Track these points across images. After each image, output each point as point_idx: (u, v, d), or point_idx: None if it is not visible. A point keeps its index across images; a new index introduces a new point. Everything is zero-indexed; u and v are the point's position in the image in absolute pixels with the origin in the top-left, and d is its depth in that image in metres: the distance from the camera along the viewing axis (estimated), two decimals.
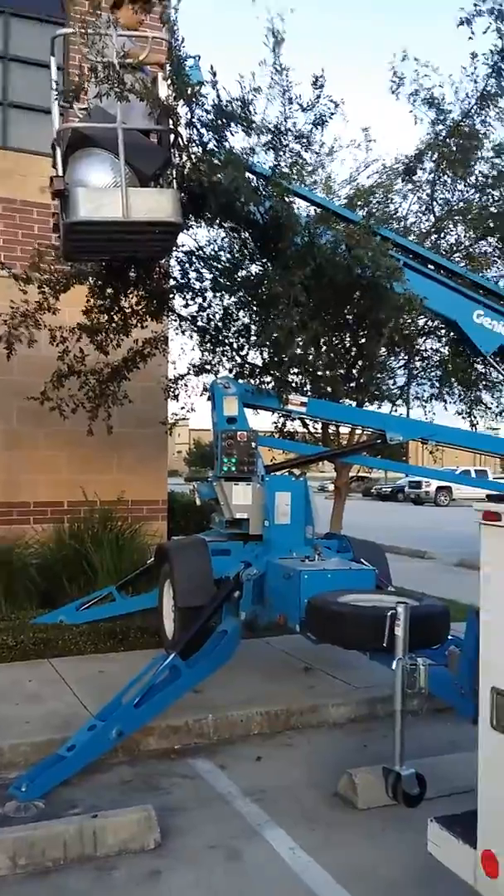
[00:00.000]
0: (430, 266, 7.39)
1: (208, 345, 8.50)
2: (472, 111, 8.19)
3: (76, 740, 4.62)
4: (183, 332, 8.84)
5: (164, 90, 5.95)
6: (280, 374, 7.41)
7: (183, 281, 8.31)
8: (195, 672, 5.27)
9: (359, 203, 8.85)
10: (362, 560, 6.34)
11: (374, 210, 8.84)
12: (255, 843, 3.98)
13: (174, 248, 7.52)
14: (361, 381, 8.77)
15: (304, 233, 6.66)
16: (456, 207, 8.85)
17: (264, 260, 7.52)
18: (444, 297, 7.11)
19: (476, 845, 2.58)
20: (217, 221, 7.33)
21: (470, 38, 7.35)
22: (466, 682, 4.14)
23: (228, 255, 8.06)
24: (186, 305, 8.42)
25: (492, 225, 8.63)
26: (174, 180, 6.05)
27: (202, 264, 8.19)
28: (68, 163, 5.88)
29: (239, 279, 7.71)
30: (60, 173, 5.82)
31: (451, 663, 4.34)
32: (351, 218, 7.09)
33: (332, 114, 7.17)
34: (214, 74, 6.32)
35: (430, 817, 2.92)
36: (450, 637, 5.02)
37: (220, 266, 8.02)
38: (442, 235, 9.14)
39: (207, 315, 8.37)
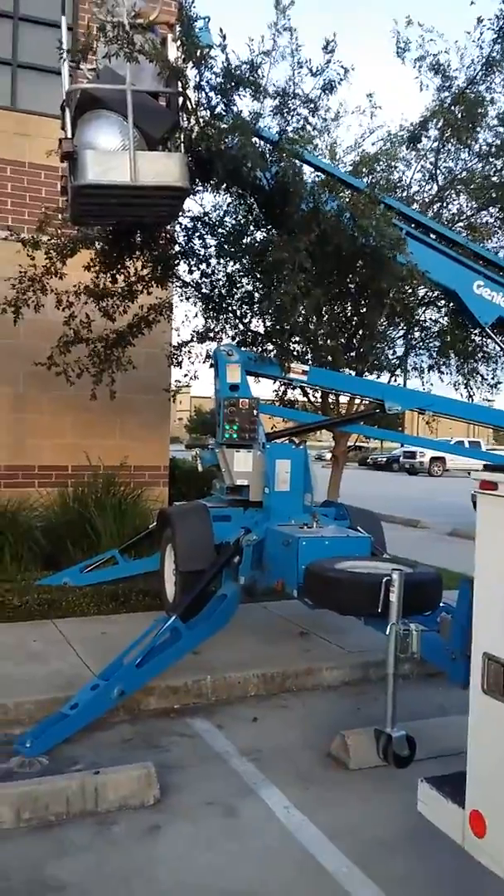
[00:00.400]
0: (432, 236, 7.38)
1: (212, 312, 8.51)
2: (478, 77, 8.10)
3: (79, 699, 4.76)
4: (187, 299, 8.86)
5: (173, 52, 5.90)
6: (282, 343, 7.44)
7: (188, 247, 8.30)
8: (195, 634, 5.39)
9: (363, 170, 8.80)
10: (359, 528, 6.43)
11: (378, 179, 8.78)
12: (251, 801, 4.12)
13: (180, 214, 7.50)
14: (361, 350, 8.79)
15: (310, 199, 6.64)
16: (459, 177, 8.80)
17: (269, 227, 7.50)
18: (445, 267, 7.12)
19: (464, 805, 2.69)
20: (223, 187, 7.29)
21: (472, 2, 7.27)
22: (457, 648, 4.24)
23: (233, 221, 8.03)
24: (191, 271, 8.42)
25: (494, 195, 8.58)
26: (182, 144, 6.02)
27: (207, 230, 8.18)
28: (77, 125, 5.85)
29: (244, 245, 7.70)
30: (69, 135, 5.80)
31: (443, 629, 4.44)
32: (356, 185, 7.06)
33: (342, 79, 7.12)
34: (224, 37, 6.26)
35: (421, 778, 3.03)
36: (441, 604, 5.14)
37: (224, 232, 8.00)
38: (444, 205, 9.10)
39: (211, 282, 8.38)
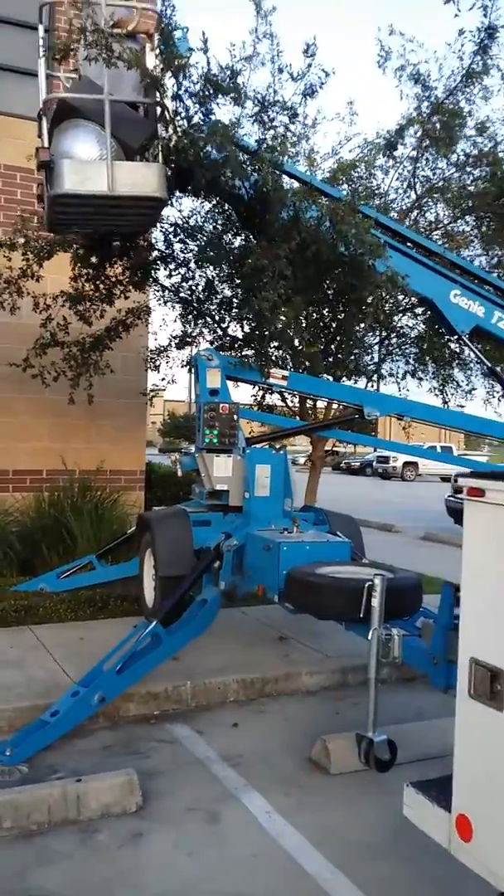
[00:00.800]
0: (408, 244, 7.44)
1: (190, 317, 8.51)
2: (457, 88, 8.19)
3: (59, 706, 4.72)
4: (165, 303, 8.84)
5: (151, 61, 5.90)
6: (261, 348, 7.46)
7: (167, 252, 8.29)
8: (176, 640, 5.38)
9: (341, 177, 8.86)
10: (338, 532, 6.46)
11: (356, 186, 8.85)
12: (233, 807, 4.12)
13: (158, 222, 7.49)
14: (339, 356, 8.84)
15: (291, 207, 6.66)
16: (436, 185, 8.88)
17: (248, 233, 7.51)
18: (422, 277, 7.17)
19: (451, 809, 2.72)
20: (202, 195, 7.29)
21: (456, 15, 7.33)
22: (439, 652, 4.29)
23: (212, 228, 8.04)
24: (170, 276, 8.41)
25: (471, 204, 8.68)
26: (160, 154, 6.01)
27: (186, 235, 8.17)
28: (54, 134, 5.84)
29: (223, 251, 7.70)
30: (46, 144, 5.78)
31: (425, 634, 4.48)
32: (335, 195, 7.10)
33: (323, 83, 7.14)
34: (206, 42, 6.25)
35: (406, 782, 3.05)
36: (420, 608, 5.19)
37: (204, 238, 8.00)
38: (422, 213, 9.19)
39: (190, 287, 8.37)
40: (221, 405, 6.72)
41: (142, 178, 5.87)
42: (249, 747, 4.84)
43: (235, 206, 7.35)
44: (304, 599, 5.08)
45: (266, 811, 4.08)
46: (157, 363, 9.13)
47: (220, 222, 7.92)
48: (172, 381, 9.54)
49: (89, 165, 5.76)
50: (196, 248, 8.01)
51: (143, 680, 5.21)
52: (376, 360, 9.49)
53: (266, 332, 7.14)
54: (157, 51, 5.95)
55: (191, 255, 8.10)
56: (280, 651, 6.38)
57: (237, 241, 7.86)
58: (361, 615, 4.45)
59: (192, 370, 7.32)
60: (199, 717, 5.34)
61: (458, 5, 7.26)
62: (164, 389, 11.02)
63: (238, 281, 7.77)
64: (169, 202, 6.66)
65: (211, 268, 8.05)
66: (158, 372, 9.27)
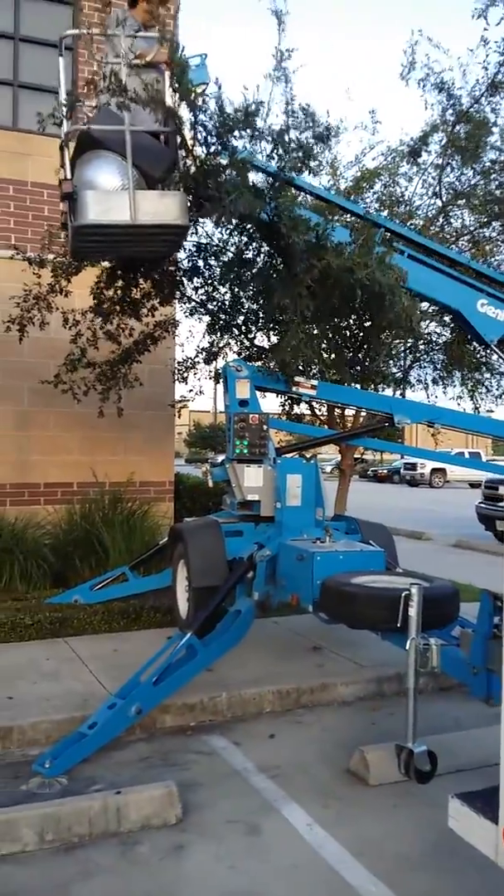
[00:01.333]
0: (433, 256, 7.40)
1: (217, 329, 8.53)
2: (483, 97, 8.17)
3: (97, 718, 4.74)
4: (192, 314, 8.88)
5: (169, 95, 5.98)
6: (288, 362, 7.38)
7: (192, 266, 8.32)
8: (211, 651, 5.38)
9: (365, 185, 8.86)
10: (370, 541, 6.44)
11: (380, 194, 8.86)
12: (273, 819, 4.11)
13: (180, 248, 7.50)
14: (366, 364, 8.82)
15: (312, 234, 6.55)
16: (462, 192, 8.86)
17: (271, 253, 7.44)
18: (448, 287, 7.11)
19: (498, 821, 2.68)
20: (223, 220, 7.27)
21: (485, 28, 7.34)
22: (479, 662, 4.25)
23: (234, 248, 8.01)
24: (196, 289, 8.45)
25: (497, 210, 8.64)
26: (181, 182, 6.07)
27: (209, 254, 8.18)
28: (76, 164, 5.94)
29: (246, 273, 7.67)
30: (69, 175, 5.86)
31: (464, 643, 4.45)
32: (354, 210, 7.08)
33: (334, 134, 7.16)
34: (220, 87, 6.25)
35: (451, 794, 3.01)
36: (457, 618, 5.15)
37: (226, 259, 7.99)
38: (448, 220, 9.15)
39: (216, 301, 8.40)
40: (251, 416, 6.74)
41: (163, 206, 5.94)
42: (287, 758, 4.83)
43: (257, 230, 7.31)
44: (340, 609, 5.06)
45: (306, 823, 4.06)
46: (185, 375, 9.17)
47: (242, 242, 7.87)
48: (200, 392, 9.57)
49: (112, 195, 5.85)
50: (220, 269, 7.98)
51: (179, 691, 5.23)
52: (404, 367, 9.45)
53: (292, 360, 7.05)
54: (173, 84, 5.99)
55: (216, 271, 8.11)
56: (315, 661, 6.35)
57: (260, 259, 7.79)
58: (398, 625, 4.43)
59: (221, 381, 7.34)
60: (236, 728, 5.33)
61: (486, 19, 7.26)
62: (191, 400, 11.07)
63: (263, 299, 7.71)
64: (191, 228, 6.69)
65: (235, 287, 8.03)
66: (186, 384, 9.30)
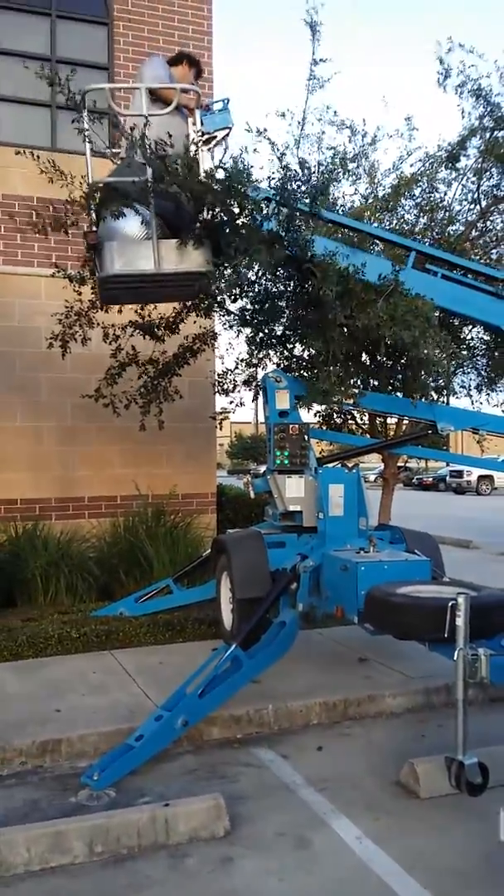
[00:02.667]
0: (469, 274, 7.31)
1: (256, 340, 8.52)
2: None
3: (144, 730, 4.76)
4: (231, 328, 8.90)
5: (192, 134, 6.13)
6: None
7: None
8: (256, 663, 5.37)
9: (403, 192, 8.83)
10: (415, 551, 6.37)
11: (419, 200, 8.82)
12: (323, 832, 4.06)
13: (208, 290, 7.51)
14: (408, 373, 8.73)
15: (339, 281, 6.40)
16: (502, 197, 8.77)
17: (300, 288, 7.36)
18: (484, 304, 7.00)
19: None
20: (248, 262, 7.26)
21: None
22: None
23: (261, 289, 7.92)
24: (234, 300, 8.46)
25: None
26: (205, 229, 6.09)
27: (240, 292, 8.10)
28: (101, 215, 6.05)
29: (278, 309, 7.63)
30: (94, 227, 6.00)
31: None
32: (391, 239, 7.05)
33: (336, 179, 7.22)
34: (224, 152, 6.29)
35: (501, 808, 2.96)
36: None
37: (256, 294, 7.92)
38: (487, 226, 9.05)
39: (253, 313, 8.38)
40: (291, 426, 6.74)
41: (187, 254, 6.04)
42: (336, 771, 4.78)
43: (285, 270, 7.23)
44: (386, 620, 5.01)
45: (356, 836, 4.01)
46: (226, 386, 9.19)
47: (270, 279, 7.78)
48: (241, 403, 9.56)
49: (136, 246, 5.96)
50: (252, 305, 7.90)
51: (226, 703, 5.22)
52: (446, 374, 9.33)
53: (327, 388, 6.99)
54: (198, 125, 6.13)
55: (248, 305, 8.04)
56: (361, 673, 6.29)
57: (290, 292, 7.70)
58: (446, 635, 4.36)
59: (262, 392, 7.35)
60: (283, 740, 5.30)
61: None
62: (232, 412, 11.09)
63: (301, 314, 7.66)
64: (215, 274, 6.74)
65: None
66: (227, 396, 9.32)
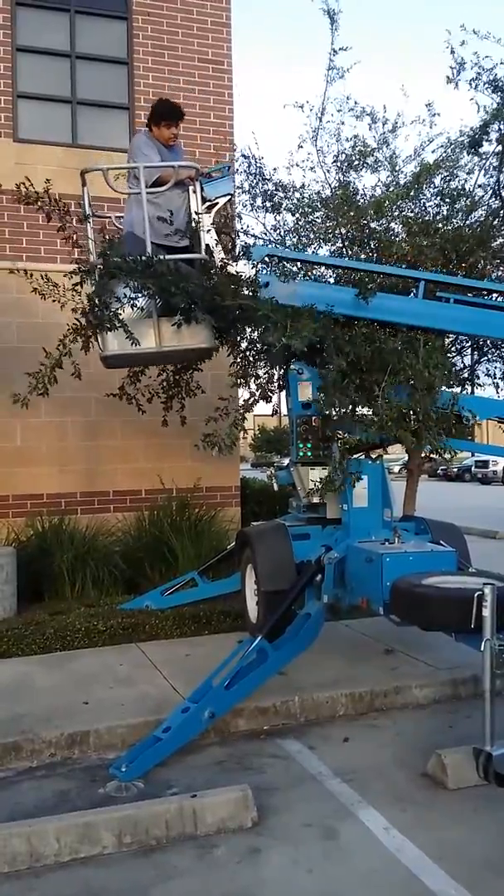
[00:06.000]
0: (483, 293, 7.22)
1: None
2: None
3: (171, 722, 4.79)
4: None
5: (195, 205, 6.12)
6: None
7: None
8: (281, 654, 5.39)
9: (424, 180, 8.74)
10: (441, 542, 6.33)
11: (441, 189, 8.72)
12: (350, 823, 4.07)
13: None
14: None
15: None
16: None
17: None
18: (500, 323, 6.91)
19: None
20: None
21: None
22: None
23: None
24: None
25: None
26: (206, 305, 6.02)
27: None
28: (103, 290, 5.97)
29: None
30: (96, 302, 5.90)
31: None
32: (397, 273, 7.10)
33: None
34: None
35: None
36: None
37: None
38: None
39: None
40: (314, 418, 6.71)
41: (188, 331, 6.00)
42: (363, 762, 4.78)
43: None
44: (411, 611, 4.99)
45: (384, 827, 4.01)
46: (248, 380, 9.16)
47: None
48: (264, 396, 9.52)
49: (136, 324, 5.89)
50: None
51: (252, 695, 5.25)
52: (471, 364, 9.25)
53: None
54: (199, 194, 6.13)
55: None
56: (387, 664, 6.28)
57: None
58: (472, 626, 4.34)
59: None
60: (310, 732, 5.31)
61: None
62: (255, 404, 11.05)
63: None
64: (218, 349, 6.72)
65: None
66: (249, 388, 9.28)
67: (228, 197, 6.35)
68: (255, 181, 8.85)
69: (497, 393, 9.37)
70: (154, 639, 7.05)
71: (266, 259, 6.77)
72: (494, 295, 7.27)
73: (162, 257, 5.87)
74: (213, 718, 4.91)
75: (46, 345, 8.12)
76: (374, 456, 7.08)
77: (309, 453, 6.70)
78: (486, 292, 7.28)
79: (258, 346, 6.87)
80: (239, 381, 7.28)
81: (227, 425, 6.35)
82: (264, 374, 7.22)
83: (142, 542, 8.97)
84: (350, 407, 6.44)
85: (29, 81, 10.18)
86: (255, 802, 4.10)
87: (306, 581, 5.92)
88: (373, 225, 8.49)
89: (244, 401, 7.80)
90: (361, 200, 8.74)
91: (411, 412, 6.33)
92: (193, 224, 6.14)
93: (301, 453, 6.70)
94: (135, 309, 5.87)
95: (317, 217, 8.83)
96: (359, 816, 4.12)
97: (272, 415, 9.81)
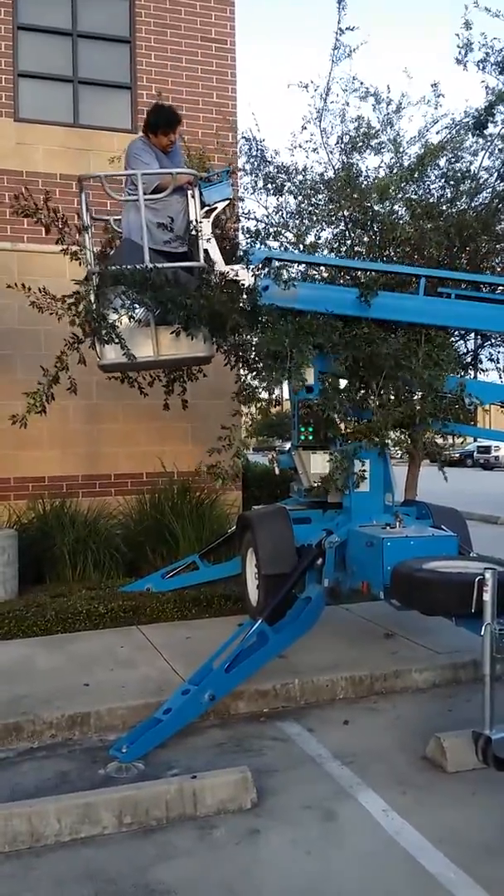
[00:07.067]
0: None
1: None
2: None
3: (171, 704, 4.81)
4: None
5: (192, 211, 6.08)
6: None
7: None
8: (282, 638, 5.39)
9: (428, 162, 8.66)
10: (442, 526, 6.33)
11: (445, 171, 8.65)
12: (349, 805, 4.09)
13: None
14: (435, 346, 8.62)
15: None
16: None
17: None
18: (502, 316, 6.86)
19: None
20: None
21: None
22: None
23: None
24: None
25: None
26: (205, 311, 5.98)
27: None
28: (99, 300, 5.96)
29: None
30: (93, 311, 5.88)
31: None
32: (398, 271, 7.08)
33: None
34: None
35: None
36: None
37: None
38: None
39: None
40: (315, 402, 6.69)
41: (186, 340, 5.99)
42: (362, 745, 4.79)
43: None
44: (412, 595, 5.00)
45: (383, 809, 4.03)
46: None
47: None
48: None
49: (133, 333, 5.90)
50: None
51: (252, 678, 5.25)
52: (474, 347, 9.21)
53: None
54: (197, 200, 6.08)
55: None
56: (387, 648, 6.29)
57: None
58: (473, 610, 4.34)
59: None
60: (309, 714, 5.32)
61: None
62: (257, 388, 11.02)
63: None
64: (215, 354, 6.69)
65: None
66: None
67: (227, 202, 6.30)
68: (256, 163, 8.80)
69: (500, 378, 9.34)
70: (155, 621, 7.06)
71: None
72: (501, 288, 7.22)
73: (160, 266, 5.84)
74: (214, 701, 4.93)
75: (47, 328, 8.11)
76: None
77: (310, 437, 6.68)
78: (488, 286, 7.23)
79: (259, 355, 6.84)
80: (241, 398, 7.30)
81: (229, 457, 6.37)
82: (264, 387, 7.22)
83: (143, 525, 8.97)
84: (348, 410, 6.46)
85: (30, 60, 10.07)
86: (255, 784, 4.12)
87: (307, 565, 5.93)
88: (376, 207, 8.42)
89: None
90: (365, 183, 8.68)
91: (407, 418, 6.33)
92: (192, 231, 6.10)
93: (302, 437, 6.69)
94: (132, 320, 5.87)
95: (319, 199, 8.76)
96: (358, 799, 4.14)
97: (274, 406, 9.75)
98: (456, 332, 8.93)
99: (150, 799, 3.93)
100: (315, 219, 8.76)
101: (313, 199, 8.75)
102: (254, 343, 6.43)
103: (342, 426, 6.56)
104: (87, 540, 8.49)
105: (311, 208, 8.73)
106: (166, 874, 3.48)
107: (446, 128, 8.94)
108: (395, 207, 8.65)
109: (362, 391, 6.88)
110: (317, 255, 8.20)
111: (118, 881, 3.43)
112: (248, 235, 8.29)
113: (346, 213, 8.63)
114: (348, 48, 8.54)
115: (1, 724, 4.85)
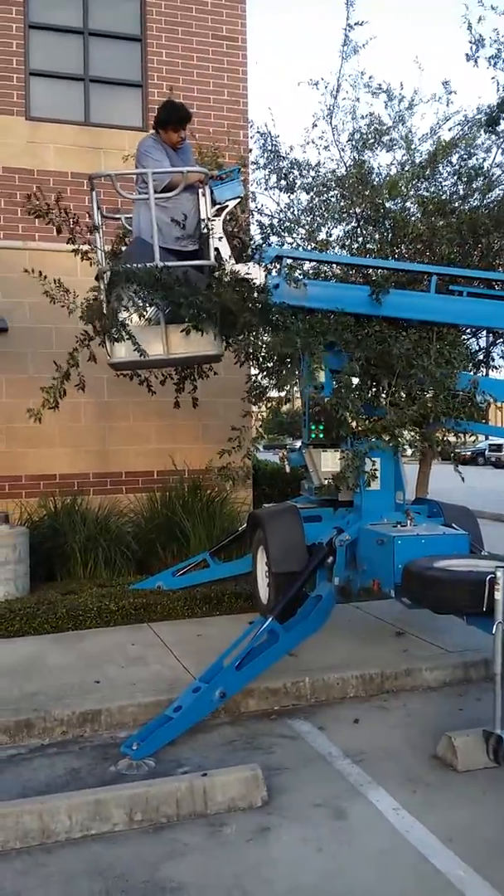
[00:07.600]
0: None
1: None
2: None
3: (182, 701, 4.81)
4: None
5: (203, 210, 6.05)
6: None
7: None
8: (292, 636, 5.39)
9: (440, 159, 8.63)
10: (453, 525, 6.31)
11: (457, 168, 8.62)
12: (359, 803, 4.08)
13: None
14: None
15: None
16: None
17: None
18: None
19: None
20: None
21: None
22: None
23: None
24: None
25: None
26: (215, 310, 5.95)
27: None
28: (110, 298, 5.95)
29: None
30: (104, 310, 5.88)
31: None
32: (408, 269, 7.03)
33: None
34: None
35: None
36: None
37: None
38: None
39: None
40: (327, 400, 6.68)
41: (196, 338, 5.97)
42: (372, 743, 4.79)
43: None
44: (423, 594, 4.98)
45: (393, 808, 4.02)
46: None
47: None
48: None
49: (144, 331, 5.87)
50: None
51: (262, 676, 5.25)
52: (486, 345, 9.17)
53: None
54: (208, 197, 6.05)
55: None
56: (398, 646, 6.28)
57: None
58: (484, 609, 4.33)
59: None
60: (320, 712, 5.32)
61: None
62: (267, 387, 11.02)
63: None
64: (224, 353, 6.66)
65: None
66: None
67: (238, 199, 6.28)
68: (270, 158, 8.78)
69: None
70: (166, 619, 7.08)
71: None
72: None
73: (170, 265, 5.83)
74: (224, 698, 4.93)
75: (58, 326, 8.13)
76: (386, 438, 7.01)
77: (321, 435, 6.67)
78: (501, 284, 7.18)
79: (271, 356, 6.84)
80: (252, 398, 7.27)
81: (240, 458, 6.31)
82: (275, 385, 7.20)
83: (154, 522, 8.98)
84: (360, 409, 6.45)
85: (41, 59, 10.09)
86: (266, 782, 4.12)
87: (318, 563, 5.92)
88: (388, 204, 8.40)
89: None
90: (376, 179, 8.66)
91: (421, 417, 6.30)
92: (203, 230, 6.09)
93: (313, 435, 6.68)
94: (142, 319, 5.86)
95: (331, 196, 8.75)
96: (368, 797, 4.14)
97: (285, 403, 9.77)
98: (468, 330, 8.90)
99: (160, 796, 3.93)
100: (327, 216, 8.75)
101: (325, 196, 8.74)
102: (264, 344, 6.42)
103: (353, 424, 6.54)
104: (97, 537, 8.51)
105: (322, 205, 8.72)
106: (176, 871, 3.49)
107: (458, 125, 8.92)
108: (408, 204, 8.63)
109: (374, 389, 6.88)
110: (328, 252, 8.20)
111: (128, 878, 3.44)
112: (261, 229, 8.29)
113: (357, 210, 8.61)
114: (356, 44, 8.53)
115: (13, 720, 4.88)
